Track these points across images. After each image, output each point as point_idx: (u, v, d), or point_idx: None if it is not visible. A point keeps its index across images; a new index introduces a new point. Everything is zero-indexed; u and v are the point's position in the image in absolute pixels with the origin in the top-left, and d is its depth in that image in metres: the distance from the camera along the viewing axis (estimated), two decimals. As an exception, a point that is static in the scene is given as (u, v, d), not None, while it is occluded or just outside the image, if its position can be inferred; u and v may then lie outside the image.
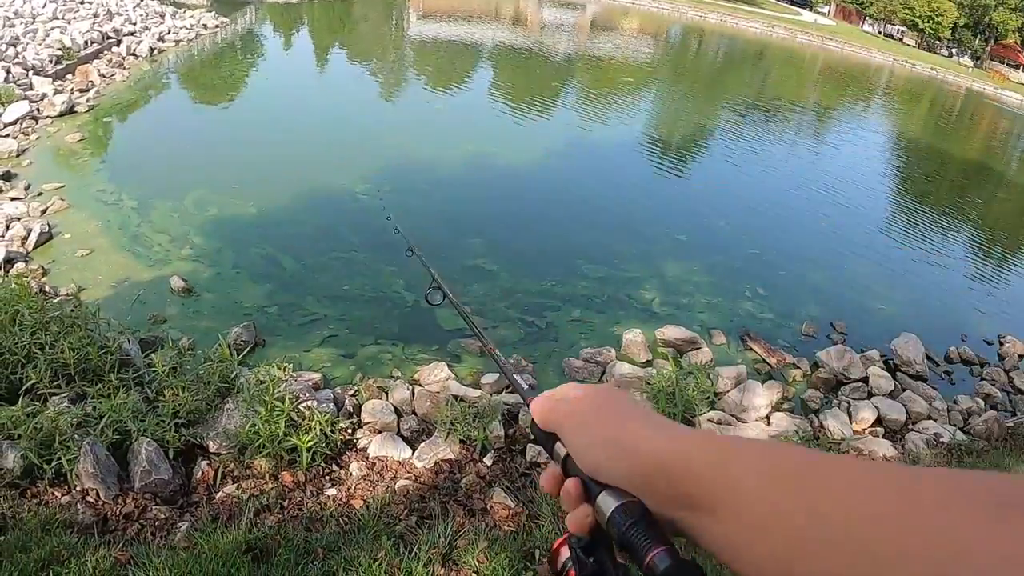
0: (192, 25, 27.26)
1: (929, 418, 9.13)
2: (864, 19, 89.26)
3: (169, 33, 25.35)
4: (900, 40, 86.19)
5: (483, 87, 26.00)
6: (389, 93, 23.65)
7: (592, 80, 30.88)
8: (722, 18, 69.79)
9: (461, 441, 6.35)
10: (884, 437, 8.31)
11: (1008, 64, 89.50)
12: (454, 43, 35.37)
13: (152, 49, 22.84)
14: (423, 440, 6.41)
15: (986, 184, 30.90)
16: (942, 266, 16.21)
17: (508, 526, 5.26)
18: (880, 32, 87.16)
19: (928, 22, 78.45)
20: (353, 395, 7.09)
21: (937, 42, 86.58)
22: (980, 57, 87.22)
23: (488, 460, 6.31)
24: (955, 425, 9.05)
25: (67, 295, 8.05)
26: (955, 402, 9.95)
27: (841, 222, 17.02)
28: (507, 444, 6.58)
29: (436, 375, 7.66)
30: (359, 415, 6.76)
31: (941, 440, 8.25)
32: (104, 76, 18.73)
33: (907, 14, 79.41)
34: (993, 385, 11.03)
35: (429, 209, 12.41)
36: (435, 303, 1.72)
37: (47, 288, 8.40)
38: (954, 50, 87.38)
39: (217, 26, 28.44)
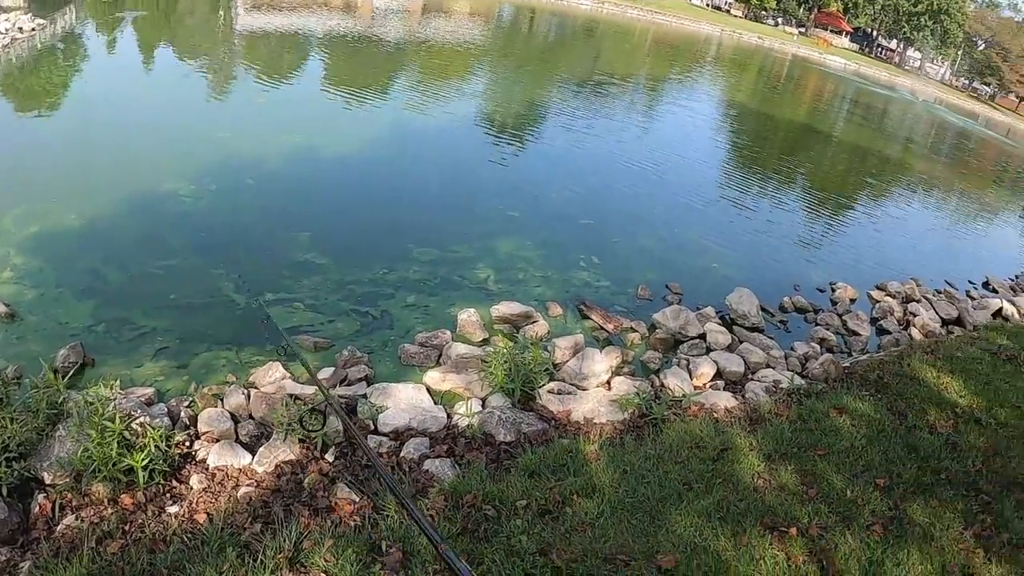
0: (7, 29, 25.62)
1: (768, 367, 9.46)
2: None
3: (-18, 38, 23.83)
4: (728, 12, 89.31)
5: (314, 78, 25.42)
6: (216, 89, 22.76)
7: (423, 65, 30.68)
8: (551, -4, 70.71)
9: (301, 440, 6.17)
10: (725, 389, 8.53)
11: (831, 31, 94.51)
12: (284, 34, 34.44)
13: (-37, 56, 21.42)
14: (263, 444, 6.20)
15: (814, 143, 32.45)
16: (773, 223, 16.85)
17: (353, 520, 5.15)
18: (708, 4, 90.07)
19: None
20: (188, 406, 6.80)
21: (764, 12, 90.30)
22: (805, 25, 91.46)
23: (330, 456, 6.14)
24: (793, 371, 9.40)
25: None
26: (792, 349, 10.37)
27: (674, 188, 17.48)
28: (347, 438, 6.40)
29: (271, 376, 7.40)
30: (196, 426, 6.48)
31: (780, 386, 8.50)
32: None
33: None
34: (828, 329, 11.57)
35: (256, 205, 11.97)
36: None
37: None
38: (780, 19, 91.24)
39: (34, 29, 26.74)
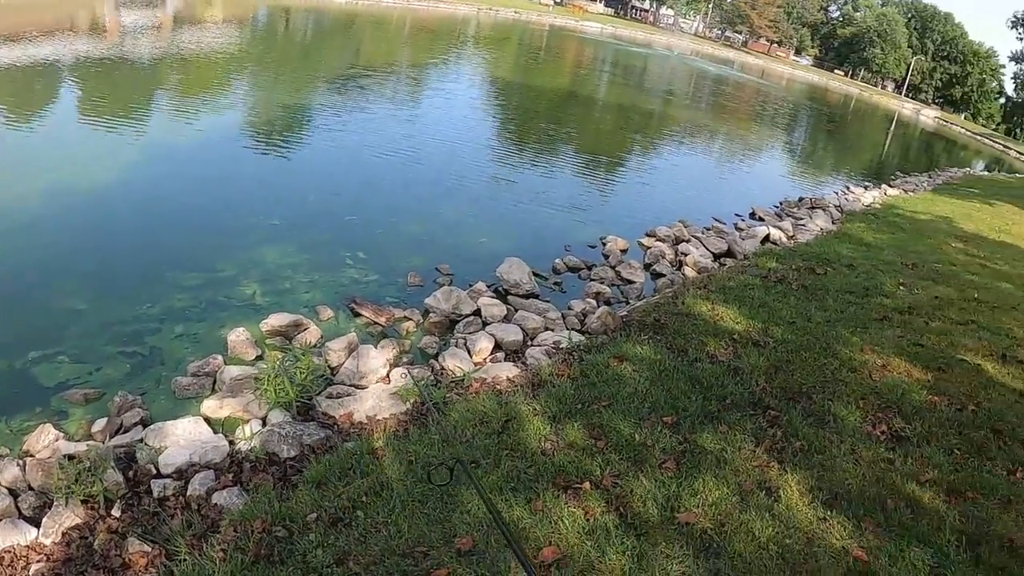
0: None
1: (547, 330, 9.74)
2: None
3: None
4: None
5: (62, 109, 23.87)
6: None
7: (176, 81, 29.43)
8: (302, -7, 69.28)
9: (83, 501, 5.90)
10: (506, 360, 8.75)
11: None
12: (30, 66, 32.26)
13: None
14: (47, 513, 5.87)
15: (577, 109, 33.52)
16: (541, 192, 17.33)
17: (148, 573, 5.09)
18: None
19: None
20: None
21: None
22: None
23: (117, 511, 5.91)
24: (572, 329, 9.70)
25: None
26: (569, 308, 10.73)
27: (437, 172, 17.65)
28: (131, 488, 6.21)
29: (44, 440, 6.96)
30: None
31: (561, 347, 8.77)
32: None
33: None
34: (602, 283, 12.02)
35: (1, 262, 11.26)
36: None
37: None
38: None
39: None
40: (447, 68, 38.06)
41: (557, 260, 12.70)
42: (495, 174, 18.35)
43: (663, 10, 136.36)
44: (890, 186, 29.90)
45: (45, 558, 5.47)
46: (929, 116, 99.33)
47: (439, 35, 52.97)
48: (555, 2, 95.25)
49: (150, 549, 5.39)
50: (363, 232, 13.02)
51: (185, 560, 4.98)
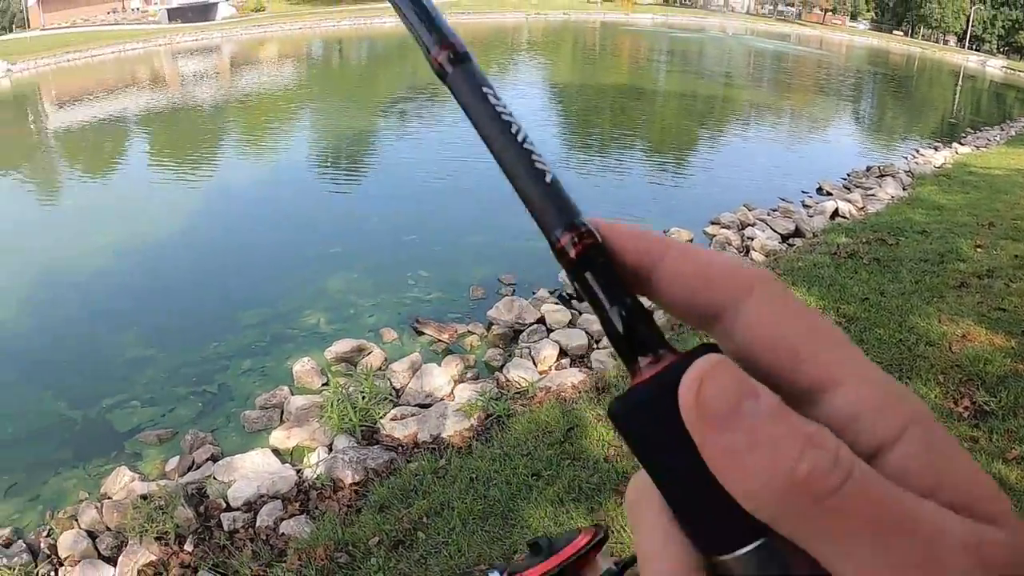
0: None
1: (613, 331, 9.56)
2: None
3: None
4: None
5: (131, 162, 24.69)
6: (31, 195, 21.95)
7: (240, 121, 30.19)
8: (355, 21, 70.42)
9: (157, 538, 6.02)
10: (572, 366, 8.60)
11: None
12: (99, 123, 33.42)
13: None
14: (123, 552, 6.02)
15: (637, 101, 33.20)
16: (602, 188, 17.19)
17: None
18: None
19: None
20: (47, 535, 6.59)
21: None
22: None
23: (189, 546, 6.01)
24: (638, 328, 9.52)
25: None
26: (637, 307, 10.50)
27: (495, 180, 17.49)
28: (201, 523, 6.32)
29: (120, 482, 7.19)
30: (57, 553, 6.31)
31: (632, 348, 8.61)
32: None
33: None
34: (667, 279, 11.75)
35: (77, 313, 11.61)
36: None
37: None
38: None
39: None
40: (504, 77, 38.10)
41: (619, 259, 12.55)
42: (564, 176, 18.28)
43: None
44: (961, 144, 28.74)
45: (121, 595, 5.58)
46: (996, 67, 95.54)
47: (491, 46, 53.11)
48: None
49: None
50: (424, 250, 13.04)
51: None
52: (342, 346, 9.09)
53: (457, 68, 0.48)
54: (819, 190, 18.85)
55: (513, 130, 0.46)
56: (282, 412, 8.05)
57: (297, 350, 9.54)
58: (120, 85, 45.98)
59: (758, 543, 0.35)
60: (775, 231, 14.47)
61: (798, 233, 14.52)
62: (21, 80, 54.74)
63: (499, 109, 0.46)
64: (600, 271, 0.43)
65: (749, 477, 0.32)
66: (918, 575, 0.30)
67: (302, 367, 8.74)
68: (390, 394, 7.96)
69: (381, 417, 7.46)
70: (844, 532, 0.31)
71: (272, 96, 35.40)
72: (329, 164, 20.55)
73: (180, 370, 9.39)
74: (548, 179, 0.46)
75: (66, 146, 30.63)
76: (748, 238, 13.87)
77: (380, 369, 8.64)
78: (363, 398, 7.40)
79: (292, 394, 8.32)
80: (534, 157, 0.46)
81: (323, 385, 8.54)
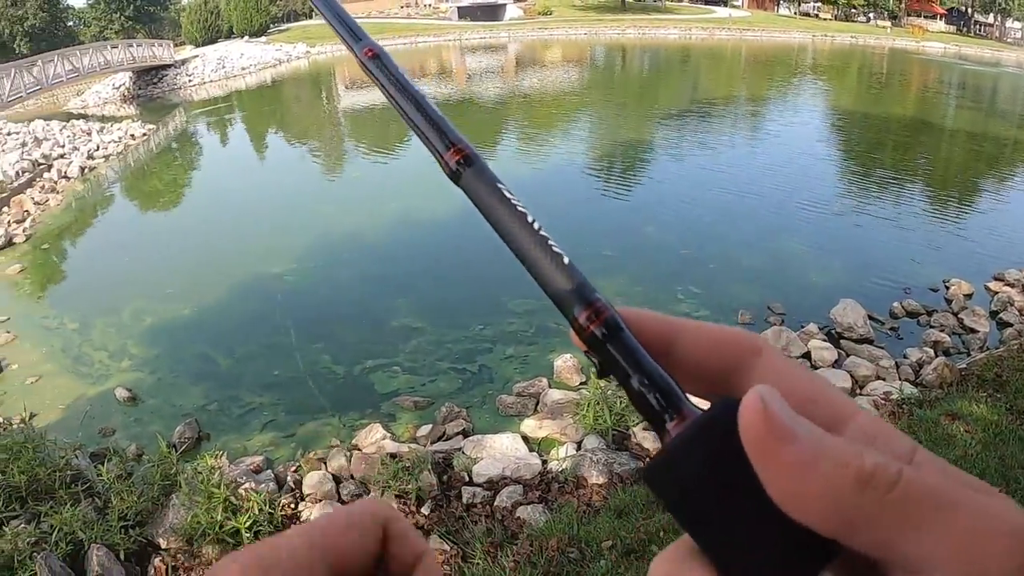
0: (120, 138, 27.67)
1: (878, 378, 9.02)
2: (778, 3, 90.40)
3: (98, 149, 25.77)
4: (816, 16, 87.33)
5: (416, 144, 26.10)
6: (321, 169, 23.78)
7: (524, 117, 31.15)
8: (640, 31, 70.61)
9: (397, 496, 6.37)
10: (832, 408, 8.21)
11: (925, 16, 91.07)
12: (385, 106, 35.53)
13: (83, 168, 23.25)
14: None
15: (922, 136, 31.16)
16: (881, 227, 16.21)
17: (443, 570, 5.31)
18: (796, 12, 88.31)
19: (839, -8, 79.68)
20: (295, 471, 7.20)
21: (853, 10, 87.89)
22: (897, 15, 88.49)
23: (426, 510, 6.32)
24: (906, 380, 8.94)
25: (20, 422, 8.30)
26: (904, 356, 9.82)
27: (774, 205, 17.03)
28: (442, 491, 6.61)
29: (372, 437, 7.71)
30: (300, 488, 6.87)
31: (890, 398, 8.14)
32: (38, 203, 19.05)
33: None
34: (942, 331, 10.90)
35: (353, 277, 12.53)
36: None
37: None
38: (871, 14, 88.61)
39: (145, 134, 29.00)
40: (786, 99, 36.95)
41: (895, 303, 11.79)
42: (834, 208, 17.42)
43: (1009, 23, 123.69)
44: None
45: (351, 541, 5.96)
46: None
47: (775, 65, 51.74)
48: (892, 23, 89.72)
49: (449, 548, 5.70)
50: (696, 266, 12.87)
51: (478, 564, 5.22)
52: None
53: (469, 169, 0.54)
54: None
55: (529, 219, 0.50)
56: (537, 402, 8.24)
57: (561, 345, 9.66)
58: (410, 74, 48.54)
59: None
60: (1069, 297, 13.18)
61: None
62: (319, 62, 59.65)
63: (514, 202, 0.51)
64: (621, 342, 0.47)
65: (822, 481, 0.35)
66: (976, 543, 0.34)
67: (563, 363, 8.91)
68: (643, 406, 7.91)
69: (634, 425, 7.42)
70: (910, 517, 0.35)
71: (553, 97, 36.21)
72: (606, 168, 20.76)
73: (444, 345, 9.83)
74: (566, 261, 0.49)
75: (354, 123, 32.93)
76: (1035, 300, 12.71)
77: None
78: (620, 403, 7.39)
79: (550, 387, 8.51)
80: (551, 243, 0.50)
81: (581, 384, 8.64)
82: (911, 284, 12.71)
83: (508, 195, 0.52)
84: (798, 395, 0.42)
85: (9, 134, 27.03)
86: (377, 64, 0.64)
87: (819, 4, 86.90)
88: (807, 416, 0.40)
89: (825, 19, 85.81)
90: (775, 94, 38.43)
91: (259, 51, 60.33)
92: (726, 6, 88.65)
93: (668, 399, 0.44)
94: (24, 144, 25.03)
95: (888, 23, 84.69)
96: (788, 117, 30.64)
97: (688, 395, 0.45)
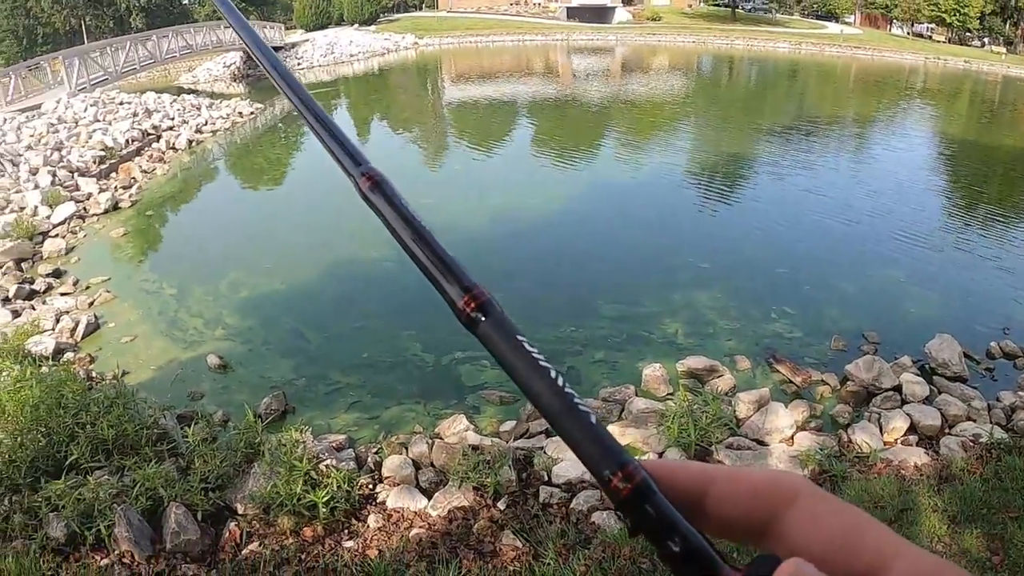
0: (228, 115, 28.66)
1: (968, 419, 8.76)
2: (891, 22, 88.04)
3: (206, 124, 26.73)
4: (930, 38, 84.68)
5: (517, 141, 26.43)
6: (424, 159, 24.16)
7: (626, 122, 31.08)
8: (748, 43, 69.53)
9: (475, 488, 6.52)
10: (918, 445, 8.05)
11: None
12: (490, 102, 35.93)
13: (190, 141, 24.18)
14: (439, 490, 6.64)
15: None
16: (985, 262, 15.72)
17: (513, 566, 5.47)
18: (909, 33, 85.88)
19: (955, 15, 77.04)
20: (376, 453, 7.41)
21: (968, 34, 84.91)
22: (1013, 42, 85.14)
23: (502, 505, 6.44)
24: (997, 423, 8.73)
25: (112, 378, 8.86)
26: (997, 399, 9.51)
27: (875, 231, 16.63)
28: (520, 488, 6.72)
29: (455, 428, 7.89)
30: (380, 471, 7.07)
31: (980, 440, 7.97)
32: (145, 172, 19.90)
33: (932, 10, 78.08)
34: (1039, 376, 10.61)
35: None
36: None
37: (94, 374, 9.31)
38: (986, 39, 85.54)
39: (252, 113, 29.91)
40: (892, 122, 36.01)
41: (993, 343, 11.40)
42: (937, 240, 16.92)
43: None
44: None
45: (427, 526, 6.14)
46: None
47: (885, 86, 50.36)
48: (1007, 49, 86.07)
49: (521, 545, 5.79)
50: (792, 287, 12.69)
51: (549, 564, 5.30)
52: (695, 362, 9.14)
53: (488, 319, 0.55)
54: None
55: (552, 375, 0.51)
56: (622, 409, 8.27)
57: (649, 354, 9.74)
58: (516, 71, 49.08)
59: None
60: None
61: None
62: (426, 53, 60.54)
63: (535, 356, 0.52)
64: (654, 504, 0.47)
65: None
66: None
67: (652, 372, 8.94)
68: (730, 421, 7.89)
69: (717, 442, 7.44)
70: None
71: (657, 103, 36.02)
72: (710, 179, 20.60)
73: (534, 343, 9.89)
74: (592, 420, 0.50)
75: (458, 115, 33.28)
76: None
77: (727, 394, 8.58)
78: (705, 418, 7.41)
79: (636, 395, 8.54)
80: (576, 400, 0.51)
81: (668, 395, 8.65)
82: (1011, 325, 12.35)
83: (529, 348, 0.54)
84: (835, 544, 0.46)
85: (121, 103, 28.06)
86: (379, 194, 0.62)
87: (933, 26, 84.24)
88: (843, 565, 0.44)
89: (939, 41, 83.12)
90: (882, 116, 37.48)
91: (368, 39, 61.57)
92: (838, 22, 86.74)
93: (702, 563, 0.46)
94: (135, 114, 25.98)
95: (1003, 49, 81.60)
96: (894, 142, 29.87)
97: (718, 550, 0.47)
